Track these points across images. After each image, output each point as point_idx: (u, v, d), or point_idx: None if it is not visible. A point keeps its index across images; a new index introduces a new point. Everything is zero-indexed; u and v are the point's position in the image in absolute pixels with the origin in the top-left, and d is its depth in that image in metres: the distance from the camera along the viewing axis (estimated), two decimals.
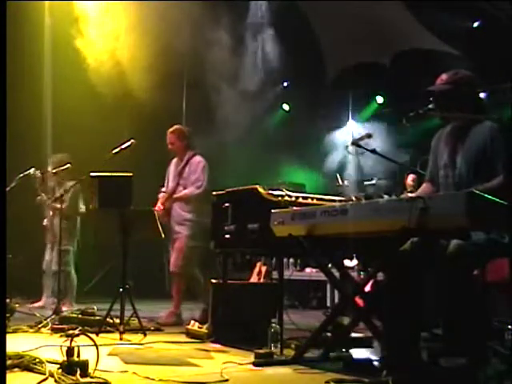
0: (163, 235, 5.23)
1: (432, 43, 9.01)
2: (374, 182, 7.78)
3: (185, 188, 5.88)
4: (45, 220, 7.23)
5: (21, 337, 4.55)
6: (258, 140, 9.71)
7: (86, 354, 3.04)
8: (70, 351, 2.97)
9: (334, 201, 4.33)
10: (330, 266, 4.39)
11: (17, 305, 5.96)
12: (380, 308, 3.68)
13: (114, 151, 5.52)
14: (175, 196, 5.88)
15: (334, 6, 8.85)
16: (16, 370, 3.15)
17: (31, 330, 4.80)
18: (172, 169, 6.11)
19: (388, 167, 8.31)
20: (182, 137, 6.03)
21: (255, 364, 3.52)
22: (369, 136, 4.13)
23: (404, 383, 2.92)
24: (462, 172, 3.37)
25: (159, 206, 5.95)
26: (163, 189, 6.13)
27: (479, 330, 3.03)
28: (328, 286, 7.45)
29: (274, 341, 3.76)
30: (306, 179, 9.02)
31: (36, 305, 6.92)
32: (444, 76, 3.52)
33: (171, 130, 6.06)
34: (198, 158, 5.99)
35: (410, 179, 7.51)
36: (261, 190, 4.27)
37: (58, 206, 6.00)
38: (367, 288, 4.88)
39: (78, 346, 3.00)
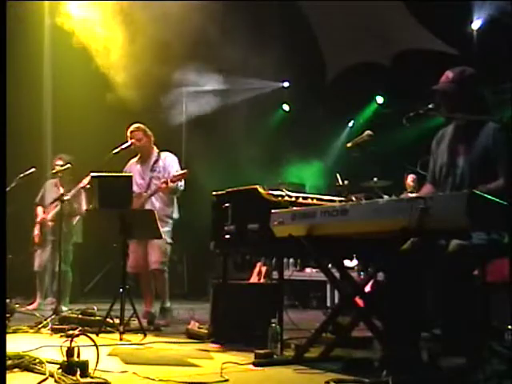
0: (163, 235, 5.22)
1: (432, 43, 9.02)
2: (373, 182, 7.78)
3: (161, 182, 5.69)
4: (47, 219, 7.16)
5: (21, 337, 4.54)
6: (258, 140, 9.72)
7: (86, 354, 3.04)
8: (70, 351, 2.96)
9: (333, 201, 4.32)
10: (329, 265, 4.39)
11: (17, 305, 5.96)
12: (380, 308, 3.68)
13: (114, 151, 5.53)
14: (171, 178, 5.51)
15: (334, 6, 8.87)
16: (16, 370, 3.15)
17: (31, 331, 4.80)
18: (137, 167, 5.91)
19: (388, 167, 8.32)
20: (147, 133, 5.90)
21: (255, 364, 3.52)
22: (369, 136, 4.13)
23: (404, 383, 2.92)
24: (465, 173, 3.35)
25: None
26: None
27: (479, 329, 3.03)
28: (328, 286, 7.45)
29: (274, 341, 3.75)
30: (306, 179, 9.03)
31: (30, 307, 6.87)
32: (450, 74, 3.46)
33: (134, 127, 5.86)
34: (170, 154, 5.94)
35: (409, 179, 7.52)
36: (261, 190, 4.27)
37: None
38: (367, 288, 4.88)
39: (78, 347, 3.00)
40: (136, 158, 5.99)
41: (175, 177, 5.52)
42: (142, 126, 5.92)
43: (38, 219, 7.22)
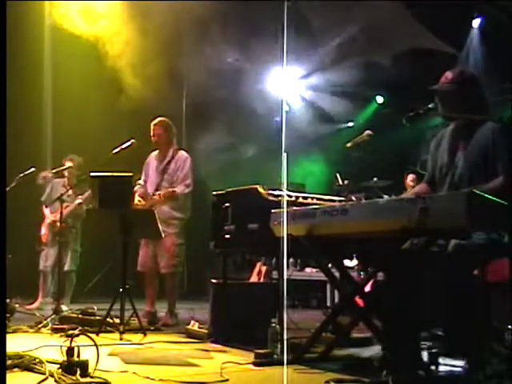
0: (163, 235, 5.22)
1: (432, 43, 9.02)
2: (373, 182, 7.78)
3: (170, 184, 5.72)
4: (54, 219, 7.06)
5: (21, 337, 4.54)
6: (258, 140, 9.72)
7: (86, 354, 3.04)
8: (70, 351, 2.97)
9: (333, 201, 4.33)
10: (329, 265, 4.38)
11: (17, 305, 5.95)
12: (380, 308, 3.68)
13: (114, 151, 5.52)
14: (162, 193, 5.60)
15: (335, 6, 8.86)
16: (16, 370, 3.15)
17: (31, 330, 4.80)
18: (154, 164, 5.90)
19: (388, 167, 8.32)
20: (168, 129, 5.86)
21: (255, 364, 3.52)
22: (369, 136, 4.13)
23: (404, 383, 2.92)
24: (464, 173, 3.35)
25: (138, 199, 5.73)
26: (140, 181, 5.91)
27: (479, 330, 3.03)
28: (328, 286, 7.45)
29: (273, 341, 3.75)
30: (306, 179, 9.02)
31: (32, 306, 6.85)
32: (450, 75, 3.46)
33: (156, 121, 5.86)
34: (184, 154, 5.87)
35: (409, 179, 7.52)
36: (261, 190, 4.27)
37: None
38: (367, 288, 4.88)
39: (78, 346, 3.00)
40: (157, 152, 5.97)
41: (164, 195, 5.58)
42: (165, 120, 5.90)
43: (48, 220, 7.14)
